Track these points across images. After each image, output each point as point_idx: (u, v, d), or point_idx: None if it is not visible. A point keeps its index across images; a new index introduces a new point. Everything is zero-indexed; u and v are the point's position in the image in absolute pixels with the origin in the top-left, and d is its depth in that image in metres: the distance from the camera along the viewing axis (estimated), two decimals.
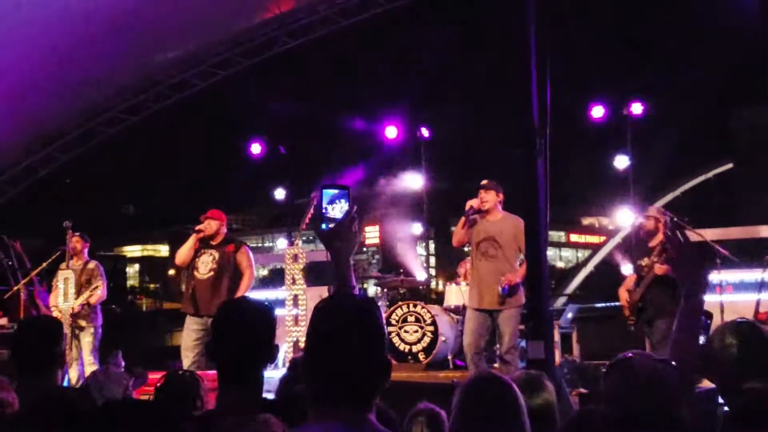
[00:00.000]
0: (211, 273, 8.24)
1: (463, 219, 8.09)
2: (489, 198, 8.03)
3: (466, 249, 11.84)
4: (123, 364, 7.61)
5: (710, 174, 15.54)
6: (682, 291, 3.20)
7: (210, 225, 8.36)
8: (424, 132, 15.05)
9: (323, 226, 2.77)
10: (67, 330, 8.61)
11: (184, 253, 8.39)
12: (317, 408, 2.12)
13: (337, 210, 2.77)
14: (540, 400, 3.44)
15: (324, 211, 2.77)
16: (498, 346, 8.25)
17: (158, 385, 3.99)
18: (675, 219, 8.41)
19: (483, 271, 8.01)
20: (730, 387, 2.96)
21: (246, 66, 17.67)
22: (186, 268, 8.51)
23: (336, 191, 2.79)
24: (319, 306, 2.26)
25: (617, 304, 11.92)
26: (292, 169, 19.10)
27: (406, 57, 18.31)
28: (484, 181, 8.17)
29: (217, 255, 8.28)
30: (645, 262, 8.04)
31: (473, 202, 8.11)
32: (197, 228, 8.40)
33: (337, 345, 2.14)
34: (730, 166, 15.32)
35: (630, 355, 2.58)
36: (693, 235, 8.71)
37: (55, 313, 9.04)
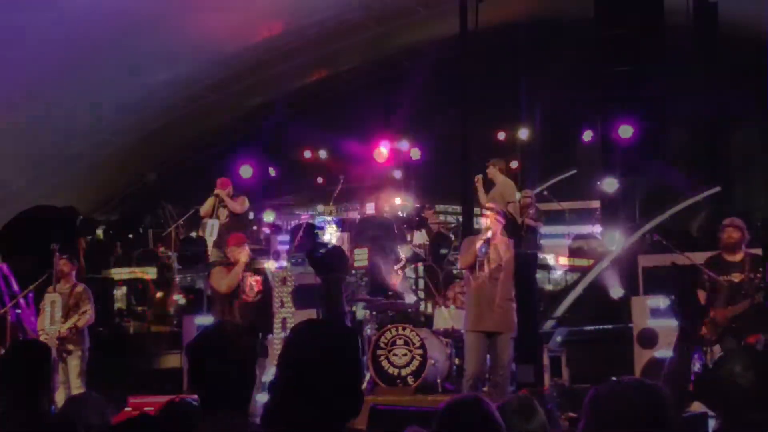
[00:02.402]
0: (259, 296, 8.87)
1: (481, 241, 8.14)
2: (497, 221, 8.32)
3: (454, 272, 11.86)
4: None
5: (699, 197, 15.56)
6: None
7: (248, 251, 9.03)
8: (415, 153, 15.12)
9: (316, 253, 2.77)
10: (54, 354, 8.58)
11: (235, 280, 8.79)
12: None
13: (328, 234, 2.77)
14: (536, 424, 3.41)
15: (316, 237, 2.78)
16: (490, 368, 8.27)
17: (159, 415, 3.95)
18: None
19: (488, 292, 8.13)
20: (735, 417, 2.89)
21: (236, 89, 17.69)
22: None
23: (327, 218, 2.80)
24: (294, 331, 2.25)
25: (606, 326, 11.91)
26: (282, 190, 19.05)
27: (396, 77, 18.36)
28: (490, 204, 8.37)
29: (261, 278, 8.96)
30: (739, 278, 7.81)
31: (493, 226, 8.20)
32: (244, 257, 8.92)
33: (313, 372, 2.11)
34: (718, 189, 15.34)
35: (613, 380, 2.56)
36: (682, 259, 8.68)
37: (43, 337, 8.99)
